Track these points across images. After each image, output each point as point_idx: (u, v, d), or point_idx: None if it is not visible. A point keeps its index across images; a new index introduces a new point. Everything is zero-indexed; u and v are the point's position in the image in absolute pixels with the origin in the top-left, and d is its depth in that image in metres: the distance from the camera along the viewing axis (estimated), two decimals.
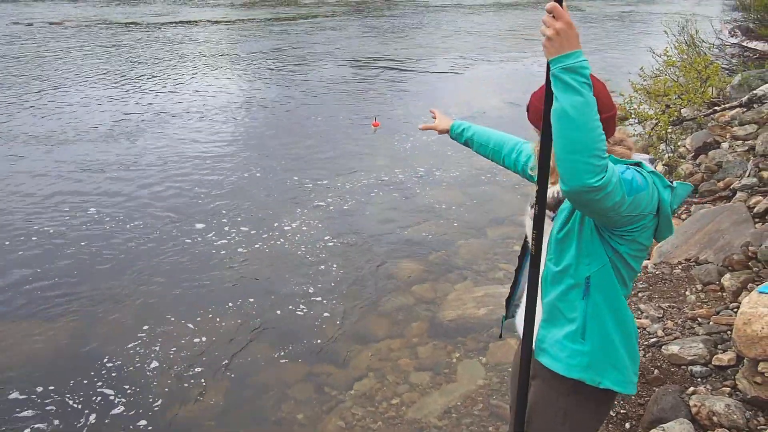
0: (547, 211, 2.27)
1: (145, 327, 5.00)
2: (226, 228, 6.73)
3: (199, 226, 6.79)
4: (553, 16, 1.79)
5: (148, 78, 14.17)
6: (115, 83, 13.56)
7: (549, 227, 2.27)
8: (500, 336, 2.86)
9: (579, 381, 2.19)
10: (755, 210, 5.69)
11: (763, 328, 3.58)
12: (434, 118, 3.07)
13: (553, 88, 1.82)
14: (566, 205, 2.14)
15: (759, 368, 3.62)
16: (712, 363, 3.99)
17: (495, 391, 4.29)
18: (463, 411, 4.11)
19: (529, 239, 2.40)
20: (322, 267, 5.95)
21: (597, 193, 1.82)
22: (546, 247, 2.22)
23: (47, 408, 4.13)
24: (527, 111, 2.24)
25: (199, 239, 6.51)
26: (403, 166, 8.65)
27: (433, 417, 4.04)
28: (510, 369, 4.47)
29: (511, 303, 2.62)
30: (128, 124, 10.64)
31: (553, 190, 2.22)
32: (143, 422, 4.01)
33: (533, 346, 2.26)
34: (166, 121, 10.88)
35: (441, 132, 3.02)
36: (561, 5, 1.79)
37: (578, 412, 2.27)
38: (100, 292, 5.51)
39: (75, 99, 12.17)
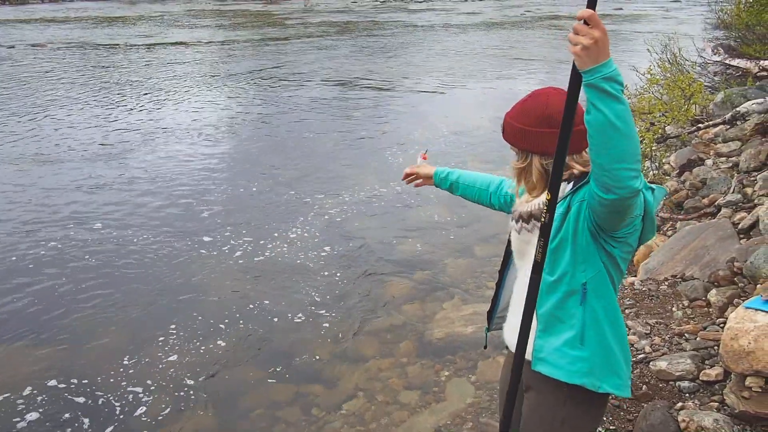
0: (526, 223, 2.29)
1: (131, 347, 4.96)
2: (211, 246, 6.71)
3: (184, 243, 6.76)
4: (588, 25, 1.74)
5: (136, 98, 14.17)
6: (102, 104, 13.55)
7: (529, 237, 2.29)
8: (485, 347, 2.85)
9: (577, 387, 2.20)
10: (740, 226, 5.74)
11: (749, 343, 3.61)
12: (423, 158, 3.00)
13: (591, 100, 1.79)
14: (555, 215, 2.15)
15: (746, 383, 3.64)
16: (700, 378, 4.01)
17: (484, 410, 4.28)
18: (453, 429, 4.09)
19: (515, 250, 2.42)
20: (309, 287, 5.94)
21: (637, 197, 1.90)
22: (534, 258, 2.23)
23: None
24: (503, 131, 2.28)
25: (185, 256, 6.48)
26: (392, 185, 8.66)
27: None
28: (499, 386, 4.48)
29: (493, 316, 2.62)
30: (118, 143, 10.62)
31: (538, 201, 2.25)
32: None
33: (529, 357, 2.27)
34: (156, 140, 10.88)
35: (424, 178, 2.94)
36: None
37: (576, 417, 2.28)
38: (87, 313, 5.47)
39: (61, 120, 12.13)
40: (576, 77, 1.83)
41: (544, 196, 2.07)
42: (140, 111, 12.97)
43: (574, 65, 1.82)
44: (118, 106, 13.32)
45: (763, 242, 5.08)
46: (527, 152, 2.23)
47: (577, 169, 2.19)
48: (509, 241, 2.48)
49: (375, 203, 8.05)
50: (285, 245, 6.77)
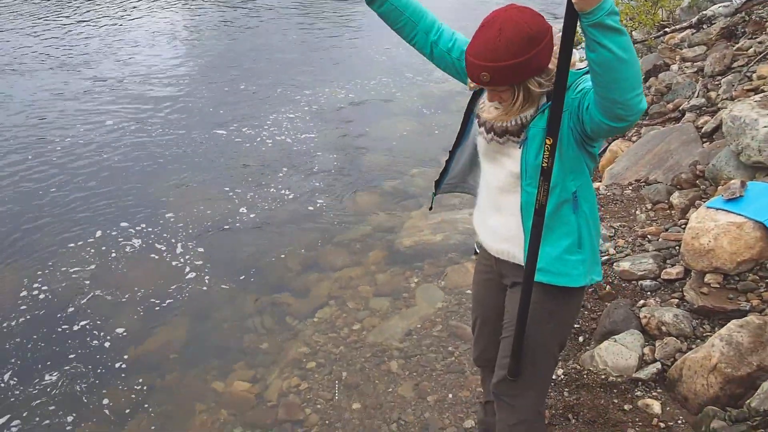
0: (498, 137, 2.27)
1: (97, 260, 4.94)
2: (184, 162, 6.62)
3: (147, 143, 6.67)
4: None
5: (98, 9, 13.60)
6: (61, 16, 12.99)
7: (499, 148, 2.28)
8: (430, 208, 2.91)
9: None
10: (703, 130, 5.80)
11: (710, 241, 3.70)
12: None
13: (596, 39, 1.76)
14: (536, 130, 2.15)
15: (705, 279, 3.76)
16: (661, 277, 4.13)
17: (453, 313, 4.38)
18: (423, 333, 4.19)
19: (481, 153, 2.41)
20: (276, 201, 5.93)
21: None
22: (516, 176, 2.26)
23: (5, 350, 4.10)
24: (490, 80, 2.04)
25: (152, 164, 6.40)
26: (355, 97, 8.55)
27: (394, 340, 4.13)
28: (470, 291, 4.58)
29: (440, 184, 2.67)
30: (79, 55, 10.22)
31: (515, 118, 2.21)
32: (105, 360, 4.01)
33: (519, 261, 2.37)
34: (121, 50, 10.50)
35: None
36: None
37: (562, 309, 2.42)
38: (57, 226, 5.41)
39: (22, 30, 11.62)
40: (572, 19, 1.80)
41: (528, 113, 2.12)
42: (102, 22, 12.47)
43: (569, 4, 1.78)
44: (82, 20, 12.77)
45: (725, 145, 5.15)
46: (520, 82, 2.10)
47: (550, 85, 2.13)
48: (465, 122, 2.47)
49: (337, 115, 7.94)
50: (244, 161, 6.68)
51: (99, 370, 3.92)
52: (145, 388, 3.79)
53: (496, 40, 1.98)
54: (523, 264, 2.35)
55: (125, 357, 4.02)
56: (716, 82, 6.53)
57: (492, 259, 2.54)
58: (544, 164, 2.04)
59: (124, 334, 4.21)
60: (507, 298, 2.53)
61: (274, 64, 9.77)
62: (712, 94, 6.34)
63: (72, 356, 4.06)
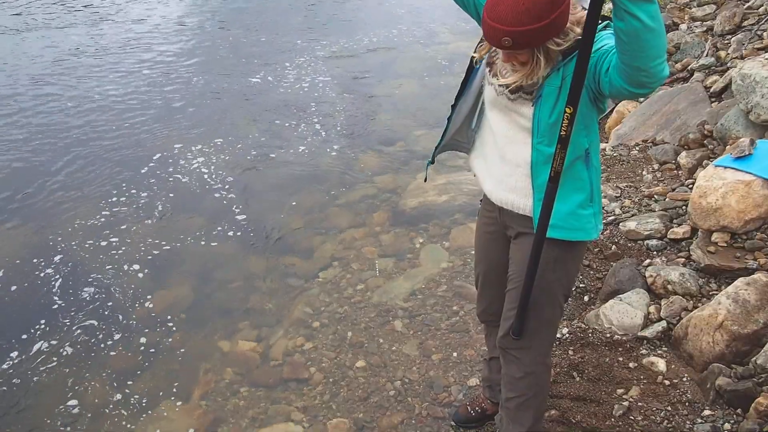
0: (511, 93, 2.21)
1: (103, 219, 4.94)
2: (182, 117, 6.57)
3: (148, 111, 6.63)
4: None
5: None
6: None
7: (507, 102, 2.24)
8: (425, 180, 2.91)
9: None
10: (712, 89, 5.72)
11: (717, 200, 3.67)
12: None
13: (626, 8, 1.69)
14: (551, 88, 2.10)
15: (712, 238, 3.73)
16: (668, 237, 4.10)
17: (458, 273, 4.37)
18: (427, 293, 4.19)
19: (488, 101, 2.37)
20: (279, 163, 5.89)
21: None
22: (526, 131, 2.22)
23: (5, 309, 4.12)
24: (512, 44, 1.97)
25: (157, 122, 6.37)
26: (357, 59, 8.46)
27: (399, 300, 4.12)
28: (473, 251, 4.56)
29: (437, 148, 2.64)
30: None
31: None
32: (109, 319, 4.02)
33: (527, 213, 2.35)
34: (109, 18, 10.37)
35: None
36: None
37: (571, 260, 2.43)
38: (61, 178, 5.40)
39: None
40: None
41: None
42: None
43: None
44: None
45: (735, 104, 5.08)
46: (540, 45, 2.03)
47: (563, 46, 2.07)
48: (469, 71, 2.42)
49: (341, 78, 7.86)
50: (246, 123, 6.62)
51: (103, 330, 3.93)
52: (150, 347, 3.80)
53: (518, 3, 1.89)
54: (529, 214, 2.33)
55: (130, 316, 4.03)
56: (726, 41, 6.42)
57: (496, 210, 2.51)
58: (563, 133, 2.00)
59: (129, 293, 4.21)
60: (512, 250, 2.51)
61: (282, 29, 9.62)
62: (722, 54, 6.24)
63: (75, 316, 4.06)
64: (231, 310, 4.08)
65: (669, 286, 3.63)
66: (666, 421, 2.93)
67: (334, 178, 5.56)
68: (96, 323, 3.99)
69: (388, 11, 10.34)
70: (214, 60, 8.31)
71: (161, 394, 3.48)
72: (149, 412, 3.38)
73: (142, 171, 5.69)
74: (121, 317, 4.02)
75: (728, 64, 5.98)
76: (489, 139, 2.43)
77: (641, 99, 6.39)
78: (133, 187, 5.46)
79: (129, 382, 3.57)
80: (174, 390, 3.51)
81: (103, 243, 4.71)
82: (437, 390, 3.43)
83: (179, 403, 3.42)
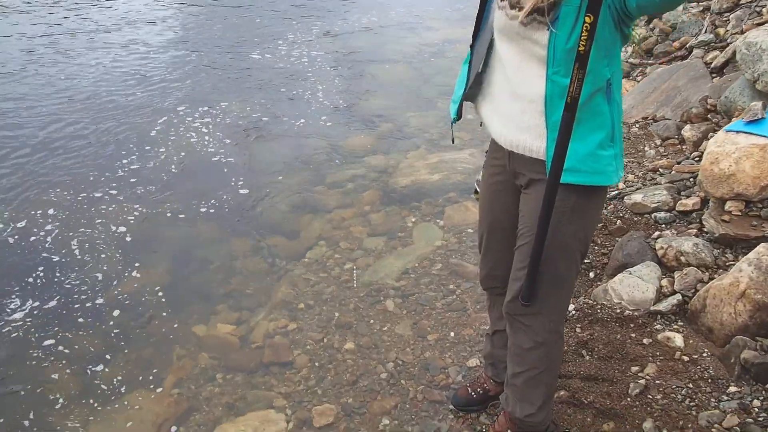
0: (526, 16, 1.94)
1: (75, 204, 4.62)
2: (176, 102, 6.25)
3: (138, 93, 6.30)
4: None
5: None
6: None
7: (517, 28, 1.96)
8: (452, 141, 2.57)
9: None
10: (713, 65, 5.49)
11: (730, 165, 3.42)
12: None
13: None
14: (569, 8, 1.82)
15: (726, 207, 3.48)
16: (676, 209, 3.85)
17: (454, 252, 4.09)
18: (421, 271, 3.91)
19: (497, 29, 2.08)
20: (263, 144, 5.59)
21: None
22: (540, 61, 1.94)
23: None
24: None
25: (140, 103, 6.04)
26: (345, 44, 8.18)
27: (390, 279, 3.84)
28: (471, 230, 4.30)
29: (461, 99, 2.29)
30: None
31: None
32: (78, 301, 3.70)
33: (540, 156, 2.06)
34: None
35: None
36: None
37: (590, 210, 2.15)
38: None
39: None
40: None
41: None
42: None
43: None
44: None
45: (739, 76, 4.84)
46: None
47: None
48: (482, 7, 2.14)
49: (328, 61, 7.58)
50: (228, 106, 6.31)
51: (71, 312, 3.61)
52: (120, 332, 3.48)
53: None
54: (542, 158, 2.05)
55: (100, 298, 3.71)
56: (724, 19, 6.20)
57: (504, 156, 2.23)
58: (581, 47, 1.72)
59: (100, 274, 3.89)
60: (522, 201, 2.23)
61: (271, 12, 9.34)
62: (721, 31, 6.01)
63: (42, 295, 3.75)
64: (209, 292, 3.77)
65: (682, 258, 3.37)
66: (688, 399, 2.65)
67: (321, 159, 5.27)
68: (62, 306, 3.65)
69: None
70: (208, 38, 8.03)
71: (131, 382, 3.17)
72: (117, 401, 3.06)
73: (129, 148, 5.40)
74: (89, 299, 3.70)
75: (728, 40, 5.75)
76: (498, 78, 2.14)
77: (638, 78, 6.15)
78: (117, 163, 5.19)
79: (96, 369, 3.26)
80: (145, 378, 3.20)
81: (72, 220, 4.38)
82: (433, 372, 3.14)
83: (150, 392, 3.11)
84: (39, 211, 4.54)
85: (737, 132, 3.60)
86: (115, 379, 3.18)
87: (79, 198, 4.70)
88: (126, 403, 3.05)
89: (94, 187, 4.83)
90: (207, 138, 5.61)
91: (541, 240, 2.05)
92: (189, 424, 2.92)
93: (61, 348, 3.38)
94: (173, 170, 5.08)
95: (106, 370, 3.24)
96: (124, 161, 5.20)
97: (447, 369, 3.14)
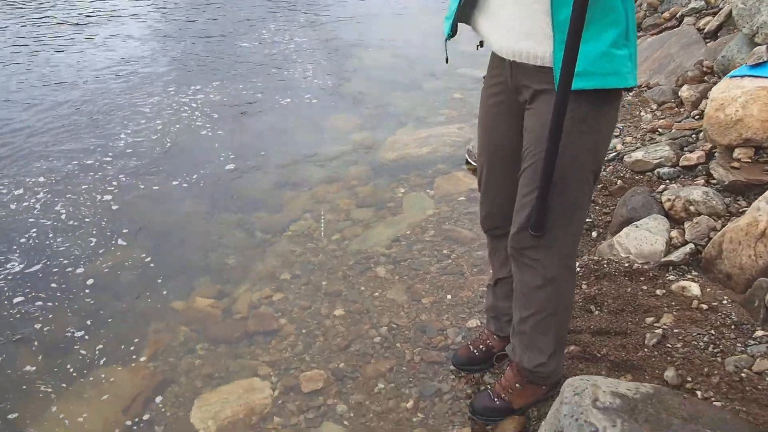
0: None
1: (53, 175, 4.39)
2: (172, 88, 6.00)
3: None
4: None
5: None
6: None
7: None
8: (446, 60, 2.32)
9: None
10: (705, 30, 5.33)
11: (737, 110, 3.22)
12: None
13: None
14: None
15: (734, 154, 3.28)
16: (680, 164, 3.64)
17: (446, 219, 3.87)
18: (413, 239, 3.67)
19: None
20: (249, 122, 5.35)
21: None
22: None
23: None
24: None
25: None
26: (330, 32, 7.98)
27: (380, 246, 3.60)
28: (463, 198, 4.08)
29: (452, 16, 2.08)
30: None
31: None
32: (52, 278, 3.42)
33: (547, 63, 1.85)
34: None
35: None
36: None
37: (600, 120, 1.91)
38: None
39: None
40: None
41: None
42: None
43: None
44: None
45: (736, 33, 4.66)
46: None
47: None
48: None
49: (309, 49, 7.36)
50: (215, 90, 6.07)
51: (44, 290, 3.33)
52: (94, 309, 3.20)
53: None
54: (548, 64, 1.83)
55: (75, 275, 3.44)
56: None
57: (506, 70, 2.00)
58: None
59: (75, 250, 3.62)
60: (526, 118, 1.99)
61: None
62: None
63: (24, 259, 3.54)
64: (188, 269, 3.51)
65: (691, 207, 3.15)
66: (711, 346, 2.42)
67: (304, 137, 5.03)
68: (34, 283, 3.37)
69: None
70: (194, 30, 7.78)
71: (105, 355, 2.90)
72: (90, 374, 2.79)
73: (121, 123, 5.24)
74: (64, 276, 3.42)
75: (720, 6, 5.59)
76: None
77: None
78: (108, 135, 5.07)
79: (70, 341, 2.98)
80: (120, 350, 2.93)
81: (50, 195, 4.12)
82: (431, 334, 2.90)
83: (125, 364, 2.84)
84: (30, 179, 4.38)
85: (742, 77, 3.41)
86: (88, 351, 2.92)
87: (69, 167, 4.55)
88: (102, 375, 2.78)
89: (84, 156, 4.70)
90: (196, 114, 5.47)
91: (552, 157, 1.83)
92: (167, 396, 2.66)
93: (36, 314, 3.13)
94: (163, 144, 4.90)
95: (80, 342, 2.98)
96: (114, 134, 5.07)
97: (445, 330, 2.90)
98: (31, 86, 6.03)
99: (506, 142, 2.13)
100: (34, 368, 2.84)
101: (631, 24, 1.81)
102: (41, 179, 4.40)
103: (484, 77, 2.23)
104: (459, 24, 2.09)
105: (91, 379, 2.76)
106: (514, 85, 2.00)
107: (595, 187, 2.07)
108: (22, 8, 8.94)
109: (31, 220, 3.95)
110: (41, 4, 9.20)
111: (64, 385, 2.74)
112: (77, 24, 8.26)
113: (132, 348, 2.94)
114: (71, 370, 2.82)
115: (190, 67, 6.66)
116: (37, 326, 3.07)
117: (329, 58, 6.99)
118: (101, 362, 2.86)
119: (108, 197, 4.17)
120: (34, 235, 3.79)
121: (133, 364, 2.85)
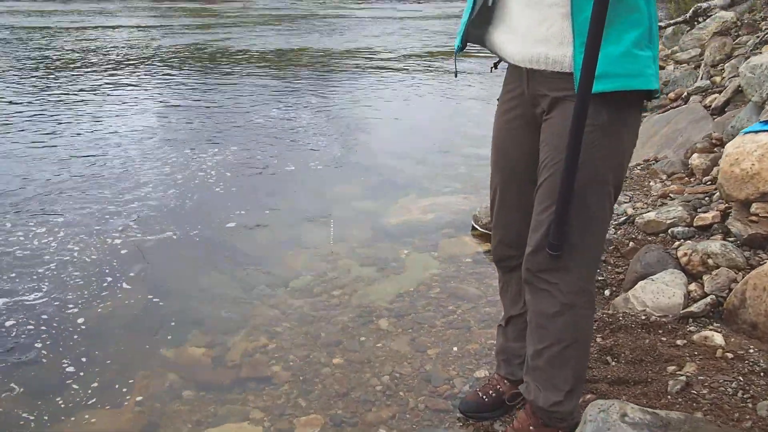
0: None
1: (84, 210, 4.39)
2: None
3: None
4: None
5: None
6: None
7: None
8: (455, 75, 2.23)
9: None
10: (713, 106, 5.35)
11: (753, 164, 3.15)
12: None
13: None
14: None
15: (752, 209, 3.17)
16: (694, 225, 3.53)
17: (452, 278, 3.72)
18: (417, 295, 3.52)
19: None
20: (258, 185, 5.31)
21: None
22: None
23: None
24: None
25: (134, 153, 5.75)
26: (336, 113, 8.07)
27: (383, 301, 3.44)
28: (469, 259, 3.95)
29: (462, 29, 2.02)
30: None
31: None
32: (42, 327, 3.24)
33: (567, 69, 1.77)
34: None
35: None
36: None
37: (622, 127, 1.82)
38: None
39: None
40: None
41: None
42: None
43: None
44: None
45: (742, 109, 4.66)
46: None
47: None
48: None
49: (311, 129, 7.41)
50: (214, 160, 6.04)
51: (36, 325, 3.16)
52: (79, 359, 3.00)
53: None
54: (567, 70, 1.75)
55: (70, 314, 3.27)
56: (719, 69, 6.13)
57: (522, 80, 1.93)
58: None
59: (67, 300, 3.46)
60: (543, 130, 1.90)
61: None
62: (717, 79, 5.93)
63: (23, 291, 3.45)
64: (181, 320, 3.33)
65: (710, 260, 3.02)
66: (741, 392, 2.24)
67: (307, 204, 4.95)
68: (24, 333, 3.18)
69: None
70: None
71: (89, 402, 2.69)
72: (72, 417, 2.58)
73: (141, 179, 5.22)
74: (48, 325, 3.24)
75: (726, 84, 5.64)
76: None
77: None
78: (126, 191, 5.11)
79: (54, 386, 2.77)
80: (104, 398, 2.72)
81: (43, 247, 4.00)
82: (436, 383, 2.70)
83: (111, 407, 2.63)
84: (50, 220, 4.46)
85: (757, 132, 3.35)
86: (75, 392, 2.72)
87: (84, 211, 4.64)
88: (86, 416, 2.58)
89: (100, 203, 4.80)
90: (212, 173, 5.59)
91: (572, 167, 1.73)
92: None
93: (24, 351, 2.99)
94: (179, 198, 4.98)
95: (68, 381, 2.79)
96: (136, 186, 5.22)
97: (452, 380, 2.71)
98: (58, 157, 6.08)
99: (522, 160, 2.03)
100: (16, 404, 2.64)
101: (654, 25, 1.75)
102: (59, 219, 4.49)
103: (498, 98, 2.16)
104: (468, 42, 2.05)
105: (73, 419, 2.56)
106: (531, 94, 1.92)
107: (615, 202, 1.96)
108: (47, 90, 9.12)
109: (46, 257, 3.94)
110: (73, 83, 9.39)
111: (49, 424, 2.53)
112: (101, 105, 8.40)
113: (120, 391, 2.75)
114: (56, 409, 2.62)
115: (209, 136, 6.80)
116: (25, 361, 2.91)
117: (340, 133, 7.04)
118: (88, 403, 2.66)
119: (118, 241, 4.17)
120: (41, 270, 3.77)
121: (119, 408, 2.64)
